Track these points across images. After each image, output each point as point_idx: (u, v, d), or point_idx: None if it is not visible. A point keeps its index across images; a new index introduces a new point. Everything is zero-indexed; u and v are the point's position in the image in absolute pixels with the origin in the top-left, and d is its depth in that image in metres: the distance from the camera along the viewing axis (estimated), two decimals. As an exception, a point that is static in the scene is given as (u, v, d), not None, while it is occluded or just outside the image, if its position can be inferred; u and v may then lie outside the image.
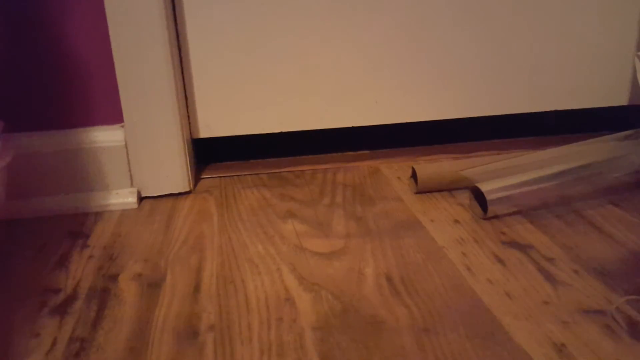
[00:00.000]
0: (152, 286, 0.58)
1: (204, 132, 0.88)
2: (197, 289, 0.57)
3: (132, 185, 0.79)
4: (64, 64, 0.75)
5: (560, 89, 0.93)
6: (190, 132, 0.87)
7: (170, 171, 0.80)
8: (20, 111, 0.76)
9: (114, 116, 0.78)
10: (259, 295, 0.56)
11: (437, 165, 0.81)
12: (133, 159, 0.78)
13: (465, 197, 0.75)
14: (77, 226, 0.73)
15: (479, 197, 0.69)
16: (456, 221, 0.69)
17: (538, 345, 0.47)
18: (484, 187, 0.68)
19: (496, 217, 0.70)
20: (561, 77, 0.92)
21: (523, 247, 0.62)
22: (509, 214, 0.70)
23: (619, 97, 0.94)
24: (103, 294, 0.58)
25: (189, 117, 0.87)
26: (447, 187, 0.78)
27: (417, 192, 0.78)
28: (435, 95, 0.91)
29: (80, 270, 0.62)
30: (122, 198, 0.78)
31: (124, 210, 0.77)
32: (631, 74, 0.93)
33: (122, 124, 0.78)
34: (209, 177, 0.87)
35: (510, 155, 0.79)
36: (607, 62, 0.92)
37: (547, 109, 0.94)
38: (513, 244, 0.63)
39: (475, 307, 0.52)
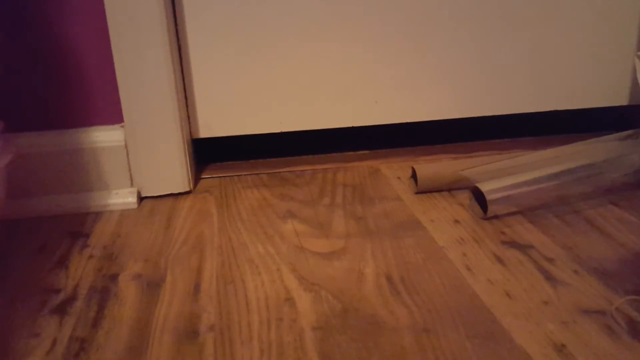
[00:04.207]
0: (152, 286, 0.58)
1: (204, 132, 0.88)
2: (197, 289, 0.57)
3: (132, 185, 0.79)
4: (64, 63, 0.75)
5: (560, 89, 0.93)
6: (190, 132, 0.87)
7: (170, 171, 0.80)
8: (20, 111, 0.76)
9: (114, 116, 0.78)
10: (259, 295, 0.56)
11: (437, 165, 0.81)
12: (133, 159, 0.78)
13: (465, 197, 0.75)
14: (77, 226, 0.73)
15: (479, 197, 0.69)
16: (456, 221, 0.69)
17: (538, 345, 0.47)
18: (484, 187, 0.68)
19: (496, 217, 0.70)
20: (561, 77, 0.92)
21: (523, 247, 0.62)
22: (509, 214, 0.70)
23: (619, 97, 0.94)
24: (103, 294, 0.58)
25: (189, 117, 0.87)
26: (447, 187, 0.78)
27: (417, 192, 0.78)
28: (435, 95, 0.91)
29: (80, 270, 0.62)
30: (122, 198, 0.78)
31: (124, 210, 0.77)
32: (631, 74, 0.93)
33: (122, 124, 0.78)
34: (209, 177, 0.87)
35: (510, 155, 0.79)
36: (607, 62, 0.92)
37: (547, 109, 0.94)
38: (513, 244, 0.63)
39: (475, 307, 0.52)
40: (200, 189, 0.83)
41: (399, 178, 0.83)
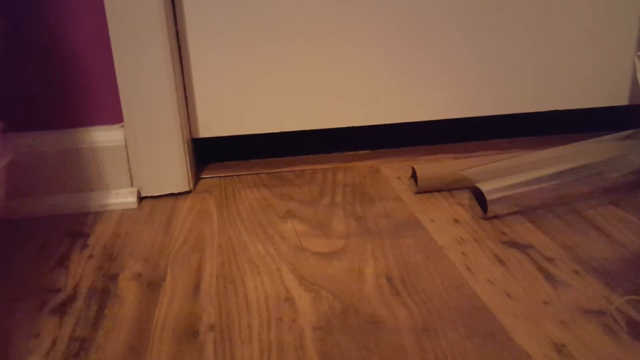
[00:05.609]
0: (152, 286, 0.58)
1: (204, 132, 0.88)
2: (197, 288, 0.57)
3: (132, 185, 0.79)
4: (63, 63, 0.75)
5: (560, 89, 0.93)
6: (190, 132, 0.87)
7: (170, 171, 0.80)
8: (20, 111, 0.76)
9: (114, 116, 0.78)
10: (259, 295, 0.56)
11: (437, 165, 0.81)
12: (133, 159, 0.78)
13: (465, 197, 0.75)
14: (77, 226, 0.73)
15: (479, 197, 0.69)
16: (456, 221, 0.69)
17: (538, 345, 0.47)
18: (484, 187, 0.68)
19: (496, 217, 0.70)
20: (561, 77, 0.92)
21: (523, 247, 0.62)
22: (509, 214, 0.70)
23: (619, 97, 0.94)
24: (103, 294, 0.58)
25: (189, 117, 0.87)
26: (447, 187, 0.78)
27: (417, 192, 0.78)
28: (435, 95, 0.91)
29: (80, 270, 0.62)
30: (122, 198, 0.78)
31: (124, 210, 0.77)
32: (631, 74, 0.93)
33: (122, 124, 0.78)
34: (209, 177, 0.87)
35: (510, 155, 0.79)
36: (607, 62, 0.92)
37: (547, 109, 0.94)
38: (513, 244, 0.63)
39: (475, 307, 0.52)
40: (200, 188, 0.83)
41: (399, 178, 0.83)
